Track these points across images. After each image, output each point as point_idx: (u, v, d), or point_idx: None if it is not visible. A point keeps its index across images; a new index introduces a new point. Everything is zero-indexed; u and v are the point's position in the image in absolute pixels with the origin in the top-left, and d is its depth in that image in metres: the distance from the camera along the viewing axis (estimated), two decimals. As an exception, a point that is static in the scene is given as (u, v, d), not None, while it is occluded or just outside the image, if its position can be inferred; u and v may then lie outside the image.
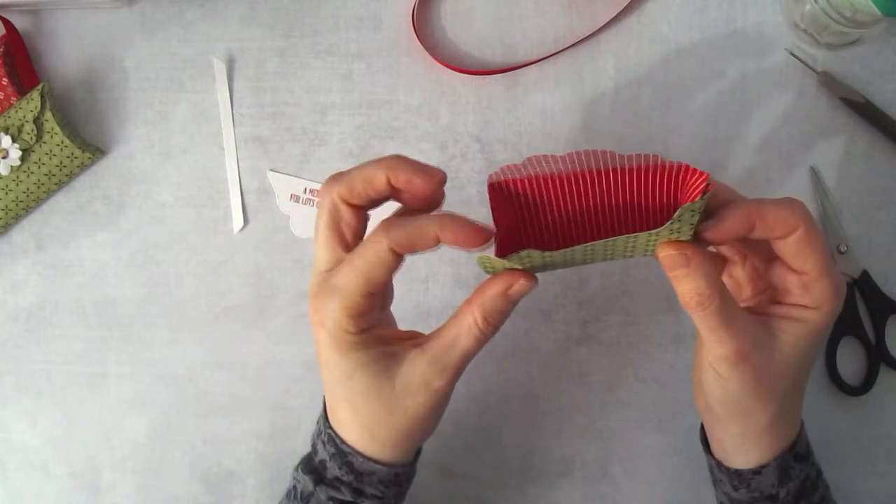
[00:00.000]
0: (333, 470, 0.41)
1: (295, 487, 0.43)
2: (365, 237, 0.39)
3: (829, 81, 0.54)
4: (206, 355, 0.55)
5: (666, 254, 0.37)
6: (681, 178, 0.37)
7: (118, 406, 0.56)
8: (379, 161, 0.38)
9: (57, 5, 0.55)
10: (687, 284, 0.37)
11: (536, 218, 0.39)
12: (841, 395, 0.54)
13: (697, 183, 0.36)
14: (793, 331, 0.39)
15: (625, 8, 0.55)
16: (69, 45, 0.56)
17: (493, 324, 0.38)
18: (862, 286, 0.54)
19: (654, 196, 0.38)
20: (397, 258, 0.37)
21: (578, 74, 0.55)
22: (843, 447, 0.54)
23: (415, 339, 0.40)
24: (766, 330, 0.39)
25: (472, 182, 0.55)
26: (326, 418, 0.42)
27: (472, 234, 0.37)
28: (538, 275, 0.39)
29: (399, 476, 0.42)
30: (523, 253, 0.35)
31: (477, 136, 0.55)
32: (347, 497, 0.40)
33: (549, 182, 0.38)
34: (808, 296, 0.39)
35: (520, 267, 0.37)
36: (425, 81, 0.55)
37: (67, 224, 0.56)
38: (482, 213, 0.55)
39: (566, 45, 0.55)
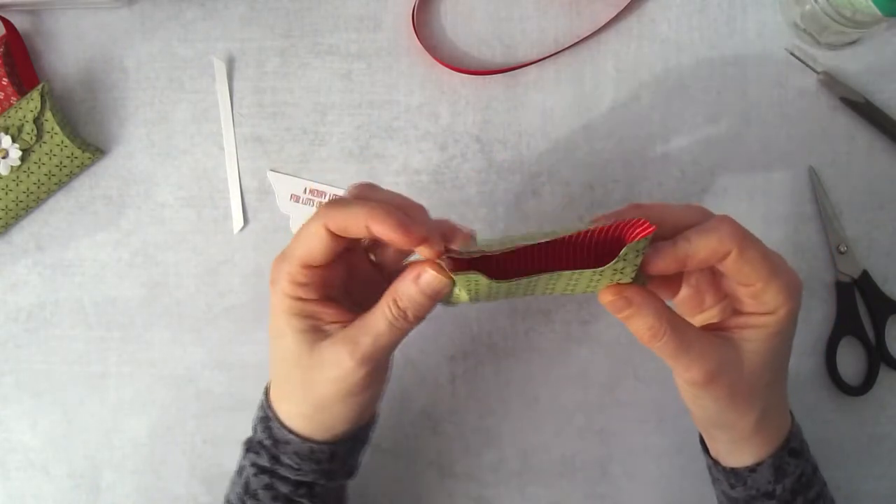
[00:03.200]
0: (258, 434, 0.43)
1: (240, 463, 0.45)
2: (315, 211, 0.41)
3: (829, 81, 0.54)
4: (206, 355, 0.55)
5: (608, 300, 0.38)
6: (628, 226, 0.37)
7: (118, 406, 0.56)
8: (365, 205, 0.38)
9: (57, 5, 0.55)
10: (636, 323, 0.38)
11: (487, 262, 0.39)
12: (841, 395, 0.54)
13: (643, 228, 0.36)
14: (754, 338, 0.40)
15: (625, 8, 0.55)
16: (69, 45, 0.56)
17: (404, 308, 0.39)
18: (862, 286, 0.54)
19: (600, 243, 0.39)
20: (335, 238, 0.39)
21: (578, 74, 0.55)
22: (843, 447, 0.54)
23: (350, 320, 0.41)
24: (729, 344, 0.40)
25: (471, 182, 0.55)
26: (268, 394, 0.44)
27: (401, 234, 0.37)
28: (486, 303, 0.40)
29: (315, 452, 0.42)
30: (472, 276, 0.36)
31: (477, 136, 0.55)
32: (265, 463, 0.43)
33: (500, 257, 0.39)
34: (761, 304, 0.39)
35: (465, 292, 0.38)
36: (425, 81, 0.55)
37: (67, 224, 0.56)
38: (482, 214, 0.55)
39: (566, 45, 0.55)
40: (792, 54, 0.55)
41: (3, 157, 0.53)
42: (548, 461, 0.55)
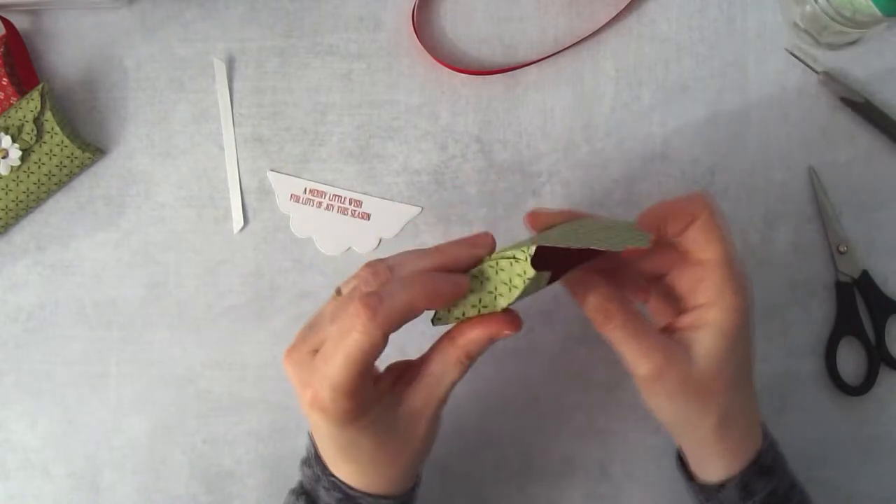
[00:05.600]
0: None
1: None
2: (351, 287, 0.39)
3: (829, 81, 0.54)
4: (206, 355, 0.55)
5: (567, 279, 0.41)
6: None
7: (118, 406, 0.56)
8: (422, 285, 0.36)
9: (57, 5, 0.55)
10: (589, 301, 0.40)
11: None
12: (841, 395, 0.54)
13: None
14: (703, 337, 0.40)
15: (625, 8, 0.55)
16: (69, 45, 0.56)
17: (475, 359, 0.40)
18: (862, 286, 0.54)
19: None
20: (387, 333, 0.36)
21: (578, 74, 0.55)
22: (843, 447, 0.54)
23: (400, 378, 0.41)
24: (678, 344, 0.40)
25: (472, 182, 0.55)
26: (325, 467, 0.41)
27: (459, 295, 0.38)
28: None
29: (406, 501, 0.43)
30: (545, 275, 0.38)
31: (477, 136, 0.55)
32: None
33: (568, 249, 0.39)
34: (709, 289, 0.40)
35: (517, 299, 0.38)
36: (425, 81, 0.55)
37: (67, 224, 0.56)
38: (481, 214, 0.55)
39: (566, 45, 0.55)
40: (792, 54, 0.55)
41: (3, 157, 0.53)
42: (548, 461, 0.55)
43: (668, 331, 0.42)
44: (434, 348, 0.41)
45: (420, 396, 0.40)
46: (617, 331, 0.40)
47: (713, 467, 0.44)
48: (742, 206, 0.55)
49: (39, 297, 0.56)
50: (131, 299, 0.56)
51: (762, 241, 0.55)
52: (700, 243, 0.40)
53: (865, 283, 0.54)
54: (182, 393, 0.55)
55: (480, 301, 0.38)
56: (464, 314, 0.39)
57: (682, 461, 0.47)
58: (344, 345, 0.36)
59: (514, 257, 0.38)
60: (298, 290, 0.55)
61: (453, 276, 0.38)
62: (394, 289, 0.36)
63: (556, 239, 0.38)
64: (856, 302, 0.54)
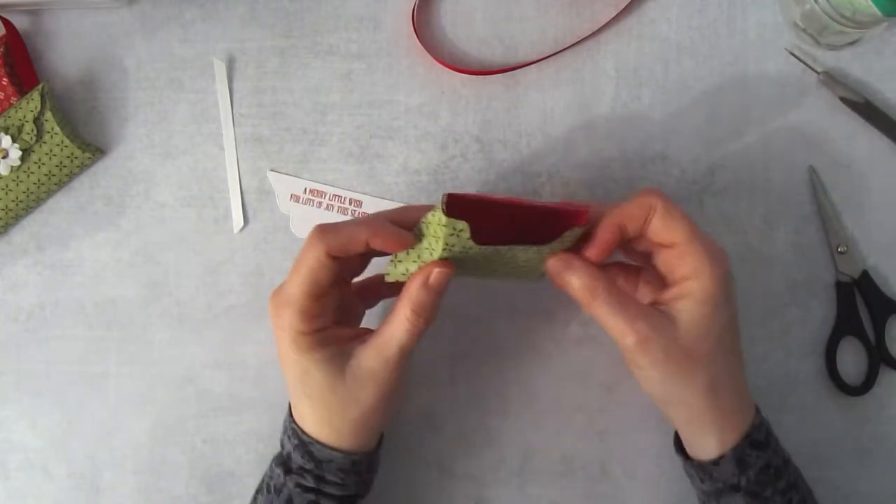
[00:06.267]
0: (297, 460, 0.44)
1: (268, 482, 0.46)
2: (304, 244, 0.42)
3: (829, 81, 0.54)
4: (206, 355, 0.55)
5: (551, 262, 0.44)
6: (573, 211, 0.43)
7: (118, 406, 0.56)
8: (361, 223, 0.42)
9: (57, 5, 0.55)
10: (574, 282, 0.43)
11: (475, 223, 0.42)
12: (841, 395, 0.54)
13: (581, 218, 0.43)
14: (685, 307, 0.42)
15: (625, 8, 0.55)
16: (69, 45, 0.56)
17: (422, 315, 0.42)
18: (862, 286, 0.54)
19: (554, 228, 0.44)
20: (335, 260, 0.42)
21: (578, 74, 0.55)
22: (843, 447, 0.54)
23: (362, 337, 0.44)
24: (663, 314, 0.43)
25: (472, 182, 0.55)
26: (291, 415, 0.46)
27: (400, 243, 0.42)
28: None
29: (357, 464, 0.45)
30: (460, 224, 0.40)
31: (477, 136, 0.55)
32: (311, 483, 0.44)
33: (488, 202, 0.42)
34: (686, 264, 0.42)
35: (444, 250, 0.41)
36: (425, 81, 0.55)
37: (67, 224, 0.56)
38: (482, 213, 0.55)
39: (566, 45, 0.55)
40: (792, 54, 0.55)
41: (3, 157, 0.53)
42: (548, 461, 0.55)
43: (653, 304, 0.44)
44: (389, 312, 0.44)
45: (370, 354, 0.43)
46: (602, 306, 0.42)
47: (707, 443, 0.45)
48: (742, 206, 0.55)
49: (39, 297, 0.56)
50: (131, 299, 0.56)
51: (762, 241, 0.55)
52: (664, 231, 0.43)
53: (865, 283, 0.54)
54: (182, 393, 0.55)
55: (420, 256, 0.42)
56: (407, 270, 0.43)
57: (679, 445, 0.48)
58: (297, 265, 0.42)
59: (433, 209, 0.41)
60: (298, 290, 0.55)
61: (399, 228, 0.42)
62: (345, 224, 0.43)
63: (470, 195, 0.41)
64: (856, 302, 0.54)
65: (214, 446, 0.55)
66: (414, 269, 0.43)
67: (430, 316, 0.43)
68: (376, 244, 0.42)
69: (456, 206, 0.40)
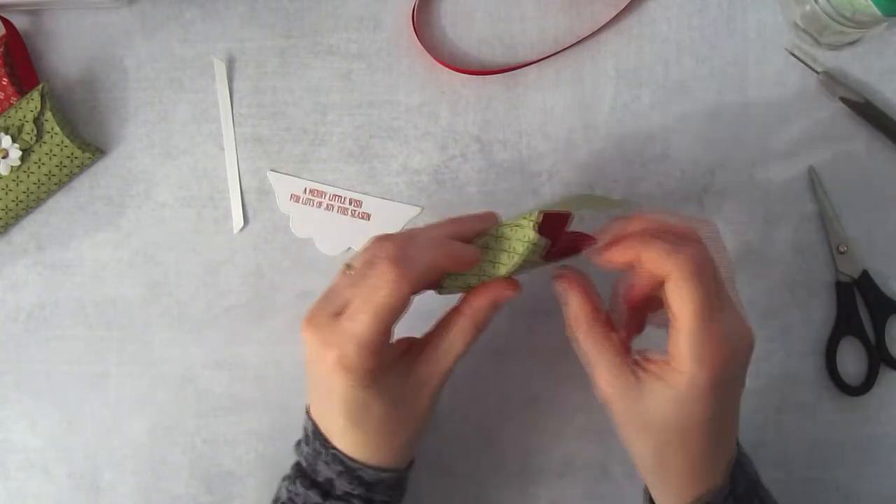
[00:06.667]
0: (343, 486, 0.42)
1: (292, 500, 0.43)
2: (364, 259, 0.40)
3: (829, 81, 0.54)
4: (206, 355, 0.55)
5: (557, 274, 0.42)
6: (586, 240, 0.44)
7: (118, 406, 0.56)
8: (441, 248, 0.40)
9: (57, 5, 0.55)
10: (570, 302, 0.42)
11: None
12: (841, 395, 0.54)
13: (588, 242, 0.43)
14: (657, 390, 0.39)
15: (625, 8, 0.55)
16: (69, 45, 0.56)
17: (482, 328, 0.42)
18: (862, 286, 0.54)
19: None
20: (413, 293, 0.39)
21: (578, 74, 0.55)
22: (843, 447, 0.54)
23: (411, 350, 0.42)
24: (634, 382, 0.39)
25: (472, 182, 0.55)
26: (325, 441, 0.42)
27: (472, 263, 0.41)
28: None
29: (403, 479, 0.44)
30: (544, 241, 0.40)
31: (477, 136, 0.55)
32: None
33: (564, 222, 0.43)
34: (679, 349, 0.38)
35: (515, 266, 0.40)
36: (425, 81, 0.55)
37: (67, 224, 0.56)
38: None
39: (566, 45, 0.55)
40: (792, 54, 0.55)
41: (3, 157, 0.53)
42: (548, 461, 0.55)
43: (641, 357, 0.41)
44: (441, 322, 0.42)
45: (428, 368, 0.41)
46: (578, 341, 0.41)
47: (660, 494, 0.43)
48: (742, 206, 0.55)
49: (39, 297, 0.56)
50: (131, 299, 0.56)
51: (762, 241, 0.55)
52: (672, 303, 0.38)
53: (865, 283, 0.54)
54: (182, 393, 0.55)
55: (483, 270, 0.41)
56: (467, 284, 0.41)
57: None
58: (373, 302, 0.37)
59: (517, 224, 0.40)
60: (298, 290, 0.55)
61: (469, 246, 0.40)
62: (417, 251, 0.39)
63: (557, 205, 0.40)
64: (856, 302, 0.54)
65: (214, 446, 0.55)
66: (475, 282, 0.41)
67: (486, 328, 0.42)
68: (449, 267, 0.40)
69: (542, 224, 0.39)
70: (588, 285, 0.42)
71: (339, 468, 0.42)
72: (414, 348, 0.42)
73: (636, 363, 0.41)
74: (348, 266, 0.41)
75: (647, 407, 0.39)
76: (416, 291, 0.39)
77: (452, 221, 0.43)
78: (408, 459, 0.44)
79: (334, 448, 0.42)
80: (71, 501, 0.56)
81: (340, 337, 0.38)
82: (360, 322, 0.38)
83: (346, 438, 0.42)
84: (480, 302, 0.41)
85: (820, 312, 0.55)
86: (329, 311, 0.39)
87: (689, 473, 0.41)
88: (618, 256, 0.40)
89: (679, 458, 0.41)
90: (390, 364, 0.41)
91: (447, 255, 0.39)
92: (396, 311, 0.38)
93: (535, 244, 0.39)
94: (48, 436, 0.56)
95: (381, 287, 0.37)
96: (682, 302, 0.37)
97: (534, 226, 0.39)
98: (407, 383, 0.41)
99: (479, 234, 0.42)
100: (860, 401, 0.54)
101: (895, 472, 0.54)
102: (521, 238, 0.40)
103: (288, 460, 0.55)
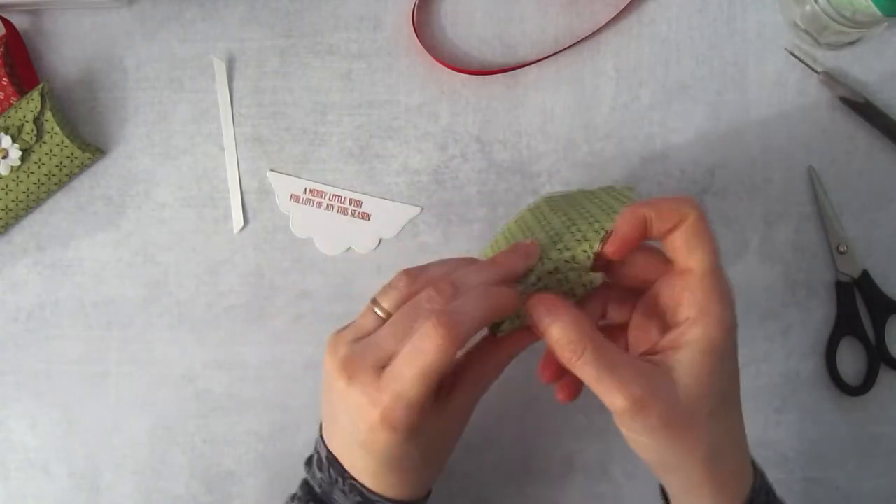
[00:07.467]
0: None
1: None
2: (405, 306, 0.38)
3: (829, 81, 0.54)
4: (206, 355, 0.55)
5: (529, 303, 0.37)
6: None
7: (118, 406, 0.56)
8: (489, 300, 0.37)
9: (57, 5, 0.55)
10: (554, 332, 0.36)
11: None
12: (841, 395, 0.54)
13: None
14: (686, 357, 0.37)
15: (625, 8, 0.55)
16: (69, 45, 0.56)
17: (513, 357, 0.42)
18: (862, 286, 0.54)
19: None
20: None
21: (578, 74, 0.55)
22: (843, 447, 0.54)
23: (443, 385, 0.40)
24: (659, 368, 0.37)
25: (472, 182, 0.55)
26: (343, 469, 0.40)
27: (514, 308, 0.38)
28: None
29: None
30: (599, 279, 0.40)
31: (477, 136, 0.55)
32: None
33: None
34: (694, 301, 0.37)
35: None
36: (425, 81, 0.55)
37: (67, 224, 0.56)
38: (481, 214, 0.55)
39: (566, 45, 0.55)
40: (792, 54, 0.55)
41: (3, 157, 0.53)
42: (548, 461, 0.55)
43: (650, 354, 0.38)
44: (472, 354, 0.42)
45: (463, 402, 0.40)
46: (588, 366, 0.36)
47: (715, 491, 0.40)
48: (742, 206, 0.55)
49: (39, 297, 0.56)
50: (131, 299, 0.56)
51: (762, 241, 0.55)
52: (685, 248, 0.38)
53: (865, 283, 0.54)
54: (182, 393, 0.55)
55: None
56: (523, 324, 0.40)
57: (665, 500, 0.44)
58: (420, 363, 0.35)
59: (573, 260, 0.39)
60: (298, 290, 0.55)
61: (510, 290, 0.38)
62: (464, 305, 0.36)
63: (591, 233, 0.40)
64: (856, 302, 0.54)
65: (214, 446, 0.55)
66: (519, 324, 0.41)
67: None
68: (499, 319, 0.38)
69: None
70: (565, 302, 0.38)
71: (358, 499, 0.40)
72: (445, 382, 0.40)
73: (647, 353, 0.39)
74: (375, 303, 0.39)
75: (686, 385, 0.36)
76: (463, 346, 0.36)
77: (496, 264, 0.39)
78: (428, 489, 0.43)
79: (353, 479, 0.40)
80: (71, 501, 0.56)
81: (387, 396, 0.36)
82: (406, 383, 0.36)
83: (376, 480, 0.40)
84: (525, 342, 0.41)
85: (820, 312, 0.55)
86: (370, 362, 0.37)
87: (738, 468, 0.40)
88: (626, 227, 0.38)
89: (729, 453, 0.39)
90: (428, 409, 0.38)
91: (497, 309, 0.37)
92: (443, 371, 0.36)
93: (594, 286, 0.39)
94: (48, 436, 0.56)
95: (429, 351, 0.35)
96: (701, 241, 0.37)
97: (590, 262, 0.38)
98: (440, 419, 0.39)
99: (529, 270, 0.40)
100: (860, 401, 0.54)
101: (895, 472, 0.54)
102: (585, 283, 0.39)
103: (288, 460, 0.55)
